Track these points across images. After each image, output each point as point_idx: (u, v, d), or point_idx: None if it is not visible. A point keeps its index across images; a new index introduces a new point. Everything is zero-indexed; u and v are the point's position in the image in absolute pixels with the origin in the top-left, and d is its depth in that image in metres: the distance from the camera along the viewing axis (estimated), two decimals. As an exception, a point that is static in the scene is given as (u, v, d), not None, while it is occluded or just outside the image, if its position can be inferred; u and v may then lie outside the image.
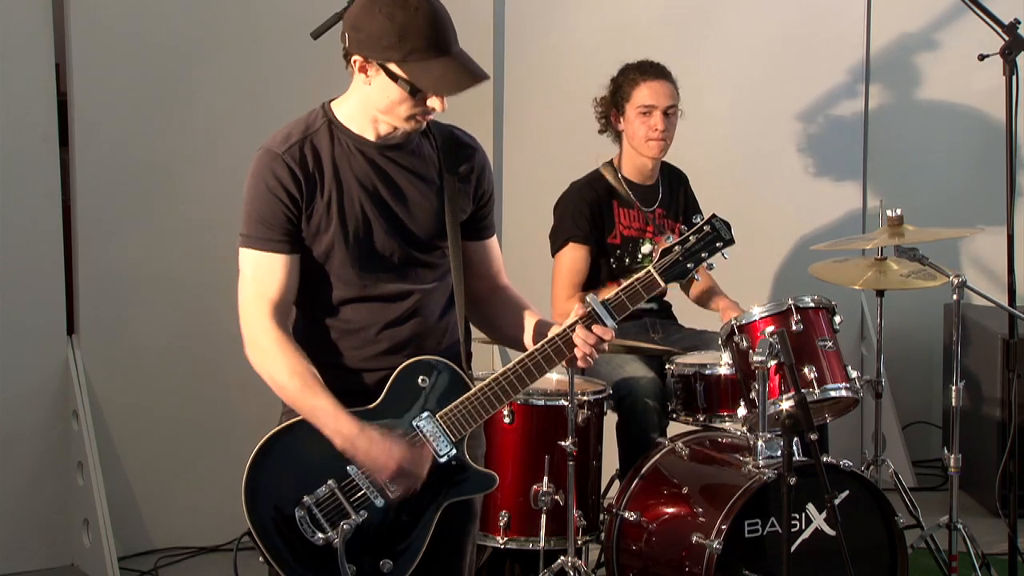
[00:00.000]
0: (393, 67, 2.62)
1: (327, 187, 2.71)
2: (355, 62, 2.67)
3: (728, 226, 2.83)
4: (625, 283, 2.80)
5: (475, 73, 2.65)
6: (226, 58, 4.86)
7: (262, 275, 2.71)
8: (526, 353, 2.76)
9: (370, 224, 2.74)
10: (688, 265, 2.80)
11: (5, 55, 4.52)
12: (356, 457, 2.68)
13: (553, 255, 4.49)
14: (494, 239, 2.94)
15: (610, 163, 4.57)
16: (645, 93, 4.45)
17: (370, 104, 2.70)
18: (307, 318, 2.79)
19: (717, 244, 2.82)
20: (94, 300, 4.71)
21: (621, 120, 4.51)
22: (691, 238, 2.81)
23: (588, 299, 2.77)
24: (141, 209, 4.77)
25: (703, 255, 2.80)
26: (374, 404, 2.73)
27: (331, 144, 2.73)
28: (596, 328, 2.74)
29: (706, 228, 2.82)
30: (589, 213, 4.42)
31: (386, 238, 2.75)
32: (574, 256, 4.41)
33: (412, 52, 2.60)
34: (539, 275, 4.58)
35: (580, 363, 2.76)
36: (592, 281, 4.45)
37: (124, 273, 4.76)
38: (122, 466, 4.77)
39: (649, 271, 2.79)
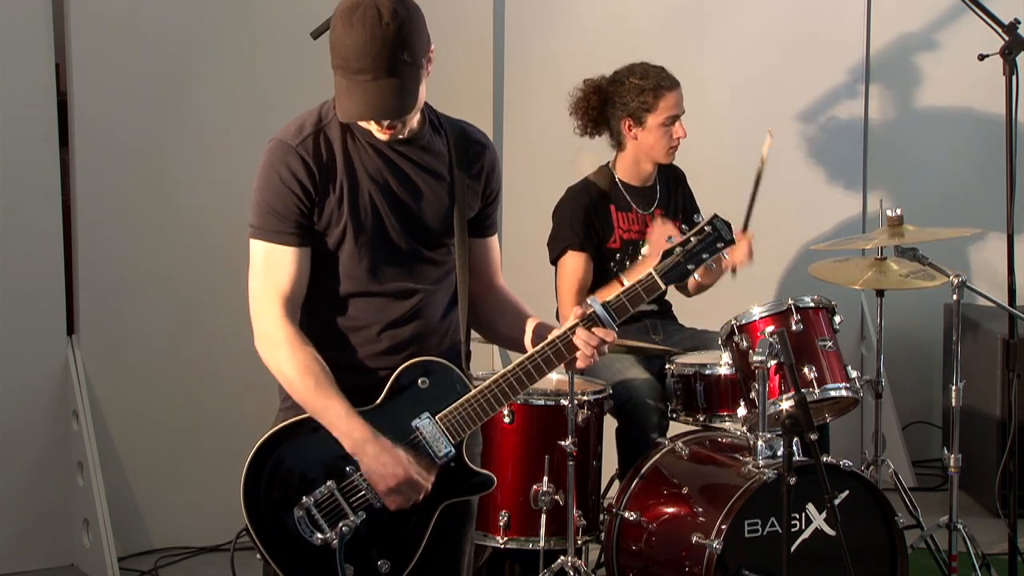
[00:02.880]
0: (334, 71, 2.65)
1: (339, 180, 2.71)
2: None
3: (729, 226, 2.83)
4: (626, 285, 2.79)
5: (371, 107, 2.60)
6: (226, 58, 4.86)
7: (273, 267, 2.71)
8: (526, 355, 2.76)
9: (381, 218, 2.74)
10: (689, 267, 2.80)
11: (5, 55, 4.52)
12: (363, 462, 2.67)
13: (552, 262, 4.47)
14: (495, 238, 2.94)
15: (606, 167, 4.55)
16: (671, 103, 4.39)
17: None
18: (309, 313, 2.78)
19: (718, 245, 2.81)
20: (94, 300, 4.71)
21: (636, 130, 4.45)
22: (692, 239, 2.81)
23: (589, 301, 2.76)
24: (141, 209, 4.77)
25: (704, 256, 2.80)
26: (374, 404, 2.73)
27: (343, 137, 2.73)
28: (597, 330, 2.73)
29: (707, 229, 2.81)
30: (587, 219, 4.40)
31: (396, 232, 2.75)
32: (575, 264, 4.38)
33: (337, 67, 2.62)
34: (539, 275, 4.58)
35: (580, 364, 2.76)
36: (597, 287, 4.43)
37: (124, 273, 4.76)
38: (122, 466, 4.77)
39: (650, 273, 2.79)
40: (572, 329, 2.74)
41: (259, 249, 2.72)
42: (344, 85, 2.61)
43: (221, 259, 4.66)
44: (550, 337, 2.76)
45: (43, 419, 4.66)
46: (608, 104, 4.47)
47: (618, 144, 4.52)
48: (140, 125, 4.75)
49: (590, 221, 4.40)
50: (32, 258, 4.63)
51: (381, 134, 2.70)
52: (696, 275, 2.82)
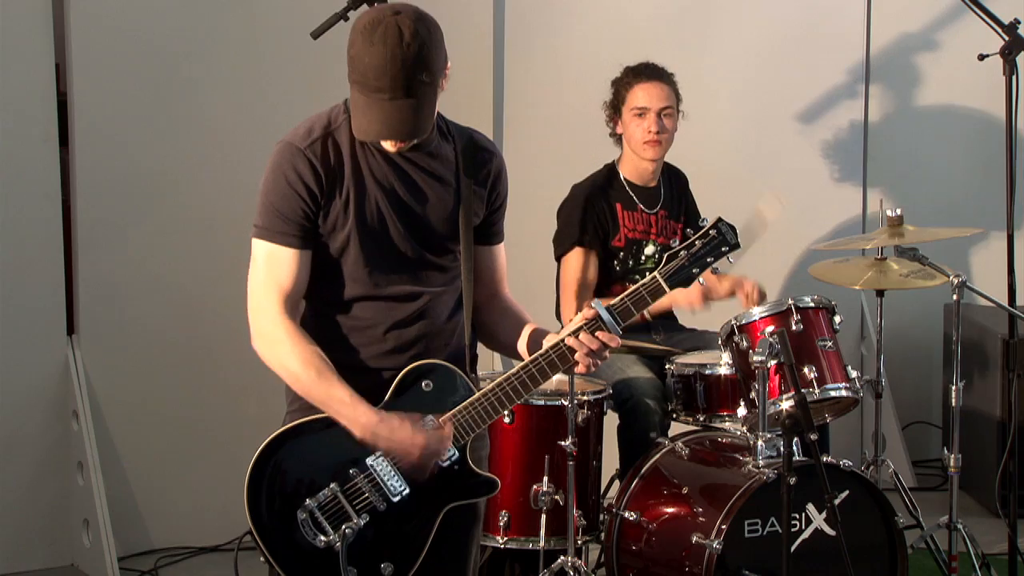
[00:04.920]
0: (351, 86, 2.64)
1: (346, 184, 2.71)
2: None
3: (734, 230, 2.81)
4: (630, 289, 2.78)
5: (389, 128, 2.61)
6: (226, 58, 4.86)
7: (274, 267, 2.71)
8: (530, 358, 2.76)
9: (386, 223, 2.74)
10: (694, 270, 2.78)
11: (5, 55, 4.52)
12: (379, 445, 2.67)
13: (557, 259, 4.48)
14: (501, 246, 2.93)
15: (612, 165, 4.56)
16: (639, 95, 4.44)
17: None
18: (316, 314, 2.79)
19: (723, 248, 2.80)
20: (94, 300, 4.71)
21: (619, 123, 4.50)
22: (697, 242, 2.79)
23: (593, 304, 2.75)
24: (141, 209, 4.77)
25: (709, 259, 2.79)
26: (378, 407, 2.72)
27: (351, 142, 2.73)
28: (601, 334, 2.72)
29: (712, 232, 2.80)
30: (594, 216, 4.41)
31: (401, 238, 2.75)
32: (580, 261, 4.40)
33: (355, 82, 2.62)
34: (539, 275, 4.58)
35: (581, 368, 2.75)
36: (598, 284, 4.44)
37: (124, 273, 4.76)
38: (122, 466, 4.77)
39: (655, 277, 2.78)
40: (575, 333, 2.73)
41: (261, 249, 2.73)
42: (362, 102, 2.61)
43: (221, 259, 4.66)
44: (554, 340, 2.75)
45: (43, 419, 4.66)
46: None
47: (618, 140, 4.55)
48: (140, 125, 4.75)
49: (598, 218, 4.41)
50: (32, 258, 4.63)
51: (391, 146, 2.70)
52: (701, 279, 2.82)
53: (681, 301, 4.36)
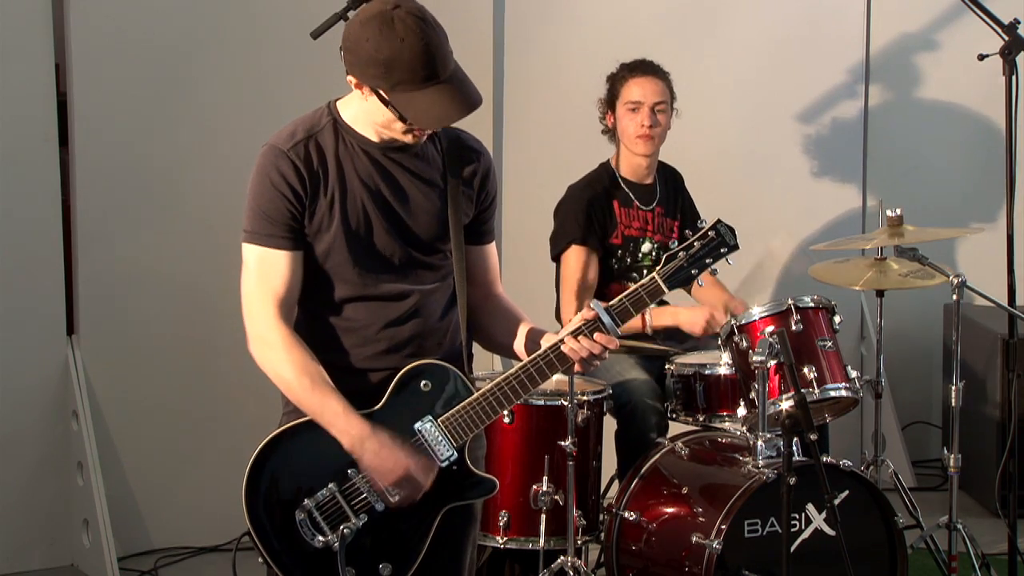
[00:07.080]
0: (383, 94, 2.62)
1: (330, 185, 2.71)
2: (350, 81, 2.67)
3: (733, 231, 2.81)
4: (629, 289, 2.78)
5: (464, 103, 2.62)
6: (226, 58, 4.86)
7: (266, 271, 2.71)
8: (529, 358, 2.76)
9: (371, 224, 2.74)
10: (692, 271, 2.78)
11: (5, 55, 4.52)
12: (363, 459, 2.67)
13: (554, 258, 4.47)
14: (492, 246, 2.93)
15: (607, 163, 4.56)
16: (633, 89, 4.46)
17: (369, 116, 2.71)
18: (308, 316, 2.79)
19: (722, 250, 2.80)
20: (94, 300, 4.71)
21: (613, 119, 4.52)
22: (696, 243, 2.79)
23: (592, 305, 2.75)
24: (141, 209, 4.78)
25: (707, 260, 2.79)
26: (376, 407, 2.73)
27: (336, 143, 2.73)
28: (599, 336, 2.72)
29: (711, 233, 2.80)
30: (591, 214, 4.41)
31: (387, 238, 2.75)
32: (579, 259, 4.40)
33: (399, 83, 2.59)
34: (538, 276, 4.58)
35: (578, 368, 2.75)
36: (597, 282, 4.44)
37: (124, 273, 4.76)
38: (122, 466, 4.77)
39: (653, 277, 2.78)
40: (572, 335, 2.72)
41: (252, 253, 2.73)
42: (419, 97, 2.59)
43: (221, 259, 4.63)
44: (552, 340, 2.75)
45: (43, 419, 4.66)
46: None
47: (612, 136, 4.56)
48: (140, 125, 4.75)
49: (595, 216, 4.42)
50: (32, 258, 4.63)
51: (416, 139, 2.69)
52: (700, 280, 2.81)
53: (684, 325, 4.36)
